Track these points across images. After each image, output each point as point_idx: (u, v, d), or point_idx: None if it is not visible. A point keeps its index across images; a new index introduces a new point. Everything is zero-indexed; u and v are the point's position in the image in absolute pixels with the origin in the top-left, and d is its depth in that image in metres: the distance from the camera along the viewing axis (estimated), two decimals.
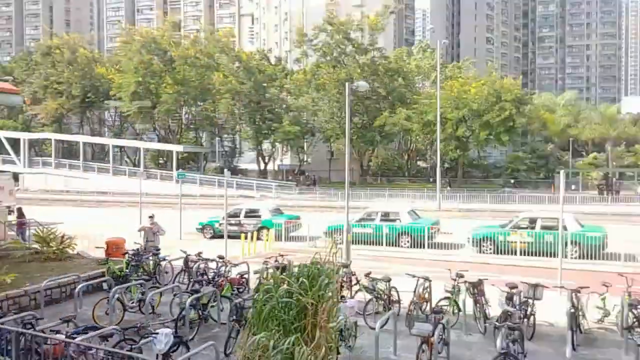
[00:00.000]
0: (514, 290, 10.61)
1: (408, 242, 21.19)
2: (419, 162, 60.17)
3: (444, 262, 17.57)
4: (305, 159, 60.33)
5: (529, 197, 38.00)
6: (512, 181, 53.81)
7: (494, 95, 48.43)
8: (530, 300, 10.53)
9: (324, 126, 53.95)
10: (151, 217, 16.71)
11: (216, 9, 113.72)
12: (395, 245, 21.16)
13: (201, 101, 59.65)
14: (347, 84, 18.65)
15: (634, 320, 9.57)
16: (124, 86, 57.29)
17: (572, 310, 9.98)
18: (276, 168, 62.27)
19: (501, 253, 19.39)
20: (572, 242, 18.48)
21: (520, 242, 19.07)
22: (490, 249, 19.79)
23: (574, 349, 9.64)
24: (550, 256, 17.94)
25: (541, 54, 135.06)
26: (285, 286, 6.66)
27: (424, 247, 20.30)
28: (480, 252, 19.87)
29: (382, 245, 20.90)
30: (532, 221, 19.65)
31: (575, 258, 18.22)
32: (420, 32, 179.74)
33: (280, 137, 53.91)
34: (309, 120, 55.12)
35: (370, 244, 21.52)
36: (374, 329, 8.53)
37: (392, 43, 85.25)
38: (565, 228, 18.71)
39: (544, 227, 18.68)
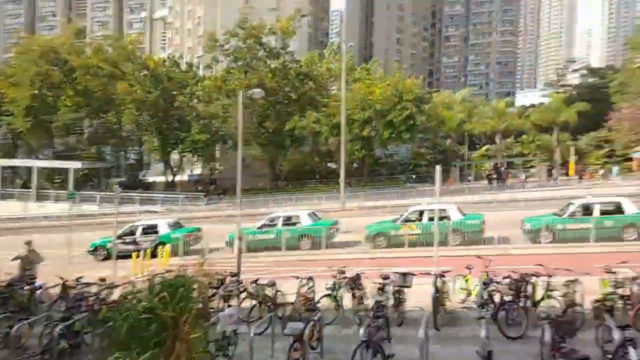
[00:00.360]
0: (386, 281, 11.21)
1: (308, 244, 21.63)
2: (330, 164, 61.35)
3: (343, 261, 18.22)
4: (216, 168, 59.37)
5: (429, 190, 39.88)
6: (414, 176, 56.09)
7: (396, 95, 50.17)
8: (401, 289, 11.16)
9: (235, 133, 53.51)
10: (27, 243, 15.64)
11: (126, 14, 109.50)
12: (297, 249, 21.54)
13: (104, 113, 57.11)
14: (240, 92, 18.76)
15: (488, 297, 10.40)
16: (17, 100, 53.68)
17: (437, 294, 10.70)
18: (186, 179, 60.83)
19: (394, 247, 20.31)
20: (454, 231, 19.64)
21: (409, 235, 19.99)
22: (383, 243, 20.61)
23: (437, 329, 10.31)
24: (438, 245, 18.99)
25: (447, 53, 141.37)
26: (143, 302, 6.62)
27: (322, 247, 20.82)
28: (374, 247, 20.66)
29: (283, 249, 21.19)
30: (421, 213, 20.68)
31: (458, 244, 19.41)
32: (336, 35, 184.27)
33: (189, 146, 52.69)
34: (220, 127, 54.45)
35: (273, 250, 21.74)
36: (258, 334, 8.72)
37: (306, 46, 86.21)
38: (448, 218, 20.05)
39: (430, 219, 19.73)
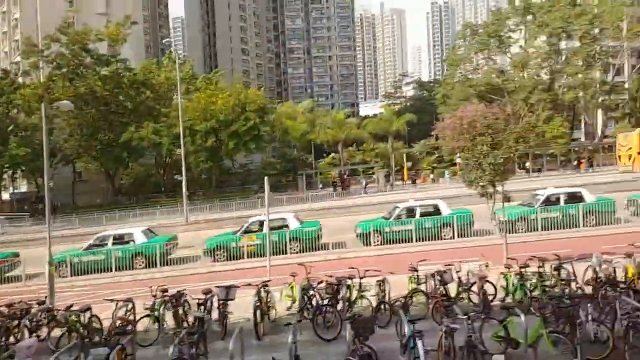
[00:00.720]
0: (208, 296, 10.95)
1: (143, 262, 20.47)
2: (176, 176, 59.30)
3: (181, 277, 17.53)
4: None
5: (277, 199, 40.55)
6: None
7: (239, 105, 50.25)
8: (225, 302, 10.95)
9: (63, 145, 49.05)
10: None
11: None
12: (130, 268, 20.26)
13: None
14: (42, 104, 17.07)
15: (308, 301, 10.67)
16: None
17: (258, 304, 10.69)
18: (9, 197, 54.36)
19: (234, 259, 20.10)
20: (292, 239, 20.05)
21: (248, 246, 19.94)
22: (223, 256, 20.28)
23: (258, 338, 10.29)
24: (277, 254, 19.21)
25: (292, 65, 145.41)
26: None
27: (158, 265, 19.87)
28: (214, 261, 20.23)
29: (112, 270, 19.77)
30: (261, 224, 20.70)
31: (296, 252, 19.82)
32: (180, 43, 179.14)
33: (8, 161, 47.19)
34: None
35: (103, 271, 20.18)
36: None
37: (143, 54, 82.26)
38: (287, 227, 20.41)
39: (271, 228, 19.92)
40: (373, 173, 58.44)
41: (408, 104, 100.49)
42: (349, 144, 68.77)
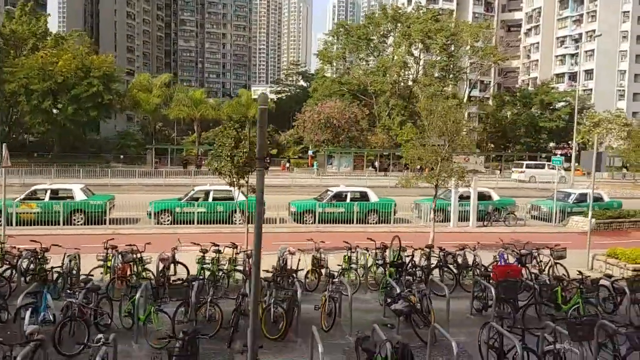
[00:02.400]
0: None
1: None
2: (26, 136, 55.78)
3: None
4: None
5: (120, 171, 41.00)
6: (122, 156, 55.22)
7: (82, 69, 48.58)
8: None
9: None
10: None
11: None
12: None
13: None
14: None
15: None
16: None
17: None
18: None
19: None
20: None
21: (29, 213, 20.10)
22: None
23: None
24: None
25: (182, 37, 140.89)
26: None
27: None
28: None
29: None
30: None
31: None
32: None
33: None
34: None
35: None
36: None
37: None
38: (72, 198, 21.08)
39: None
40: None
41: (293, 92, 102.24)
42: (204, 125, 66.05)
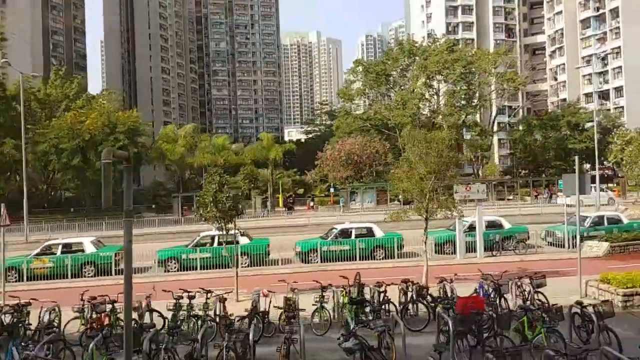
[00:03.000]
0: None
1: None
2: (65, 193, 58.28)
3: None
4: None
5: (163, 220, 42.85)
6: (153, 206, 56.74)
7: (108, 126, 51.10)
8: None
9: None
10: None
11: None
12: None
13: None
14: None
15: None
16: None
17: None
18: None
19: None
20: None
21: (42, 268, 21.21)
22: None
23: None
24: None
25: (215, 86, 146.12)
26: None
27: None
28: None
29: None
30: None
31: None
32: (98, 57, 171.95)
33: None
34: None
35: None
36: None
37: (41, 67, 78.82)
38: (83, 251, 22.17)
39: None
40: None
41: (322, 131, 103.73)
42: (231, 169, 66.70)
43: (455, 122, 58.84)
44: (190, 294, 12.16)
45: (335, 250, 22.91)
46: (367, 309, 11.68)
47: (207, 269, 21.44)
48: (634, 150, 53.44)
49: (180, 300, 12.09)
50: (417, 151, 16.80)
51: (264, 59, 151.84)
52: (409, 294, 12.74)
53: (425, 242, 17.30)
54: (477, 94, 63.54)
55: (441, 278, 13.41)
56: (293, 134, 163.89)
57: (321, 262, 22.56)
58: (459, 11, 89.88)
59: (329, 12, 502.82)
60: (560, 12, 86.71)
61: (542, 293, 12.68)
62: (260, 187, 62.45)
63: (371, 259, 22.82)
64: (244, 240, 22.59)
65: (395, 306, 12.28)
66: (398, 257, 22.65)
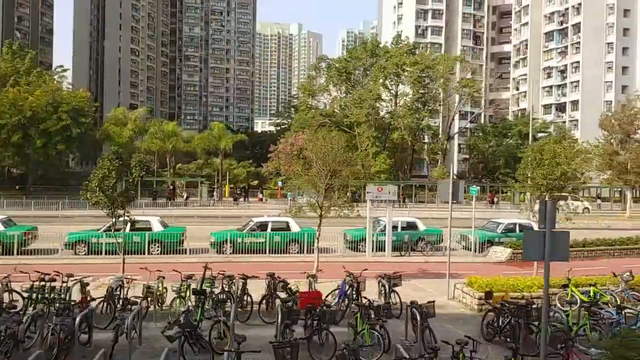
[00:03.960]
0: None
1: None
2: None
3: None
4: None
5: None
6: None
7: (52, 104, 50.38)
8: None
9: None
10: None
11: None
12: None
13: None
14: None
15: None
16: None
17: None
18: None
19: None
20: None
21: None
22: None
23: None
24: None
25: (187, 72, 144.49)
26: None
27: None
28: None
29: None
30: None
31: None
32: (69, 34, 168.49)
33: None
34: None
35: None
36: None
37: None
38: None
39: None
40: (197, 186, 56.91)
41: (289, 124, 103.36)
42: (178, 157, 67.49)
43: (409, 124, 59.66)
44: (48, 276, 12.33)
45: (250, 243, 23.27)
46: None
47: (115, 254, 21.52)
48: (602, 163, 54.52)
49: (42, 283, 12.27)
50: (316, 150, 17.28)
51: (238, 47, 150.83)
52: (271, 288, 13.22)
53: (317, 239, 17.84)
54: (431, 98, 64.57)
55: (307, 274, 13.94)
56: (264, 125, 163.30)
57: (235, 253, 22.91)
58: (429, 15, 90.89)
59: (313, 5, 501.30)
60: (527, 23, 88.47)
61: (396, 292, 13.37)
62: (212, 175, 62.47)
63: (286, 253, 23.28)
64: (157, 228, 22.86)
65: (251, 298, 12.79)
66: (311, 252, 23.12)
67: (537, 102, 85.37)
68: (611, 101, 77.77)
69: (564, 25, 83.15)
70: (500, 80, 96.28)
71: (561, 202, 18.76)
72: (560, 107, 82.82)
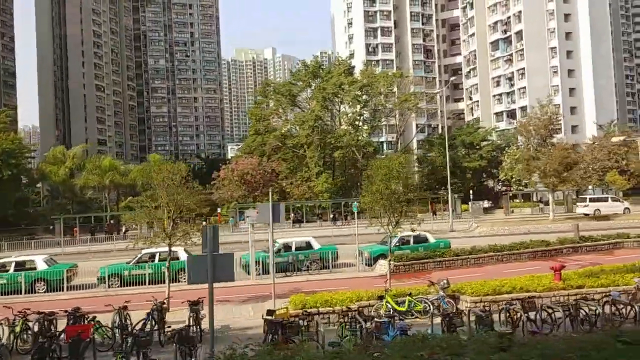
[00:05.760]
0: None
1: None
2: None
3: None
4: None
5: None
6: (52, 227, 55.06)
7: None
8: None
9: None
10: None
11: None
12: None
13: None
14: None
15: None
16: None
17: None
18: None
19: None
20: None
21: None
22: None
23: None
24: None
25: (155, 104, 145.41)
26: None
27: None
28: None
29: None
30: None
31: None
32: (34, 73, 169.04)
33: None
34: None
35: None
36: None
37: None
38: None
39: None
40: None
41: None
42: (119, 190, 67.89)
43: (348, 142, 60.54)
44: None
45: (137, 275, 23.66)
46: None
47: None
48: (522, 168, 55.92)
49: None
50: (158, 181, 17.85)
51: (205, 76, 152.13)
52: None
53: (168, 268, 18.29)
54: (371, 115, 65.62)
55: (118, 307, 14.38)
56: (237, 150, 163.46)
57: (123, 286, 23.28)
58: (378, 32, 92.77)
59: (287, 29, 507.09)
60: (473, 34, 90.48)
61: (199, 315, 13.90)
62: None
63: (177, 282, 23.65)
64: (41, 266, 23.21)
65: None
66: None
67: (490, 111, 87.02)
68: (559, 104, 79.41)
69: (508, 34, 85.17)
70: (458, 91, 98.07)
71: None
72: (511, 114, 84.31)
